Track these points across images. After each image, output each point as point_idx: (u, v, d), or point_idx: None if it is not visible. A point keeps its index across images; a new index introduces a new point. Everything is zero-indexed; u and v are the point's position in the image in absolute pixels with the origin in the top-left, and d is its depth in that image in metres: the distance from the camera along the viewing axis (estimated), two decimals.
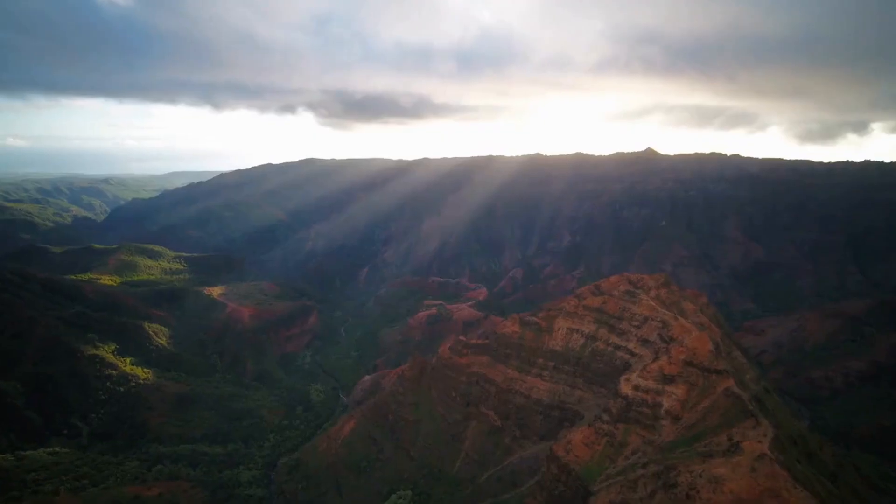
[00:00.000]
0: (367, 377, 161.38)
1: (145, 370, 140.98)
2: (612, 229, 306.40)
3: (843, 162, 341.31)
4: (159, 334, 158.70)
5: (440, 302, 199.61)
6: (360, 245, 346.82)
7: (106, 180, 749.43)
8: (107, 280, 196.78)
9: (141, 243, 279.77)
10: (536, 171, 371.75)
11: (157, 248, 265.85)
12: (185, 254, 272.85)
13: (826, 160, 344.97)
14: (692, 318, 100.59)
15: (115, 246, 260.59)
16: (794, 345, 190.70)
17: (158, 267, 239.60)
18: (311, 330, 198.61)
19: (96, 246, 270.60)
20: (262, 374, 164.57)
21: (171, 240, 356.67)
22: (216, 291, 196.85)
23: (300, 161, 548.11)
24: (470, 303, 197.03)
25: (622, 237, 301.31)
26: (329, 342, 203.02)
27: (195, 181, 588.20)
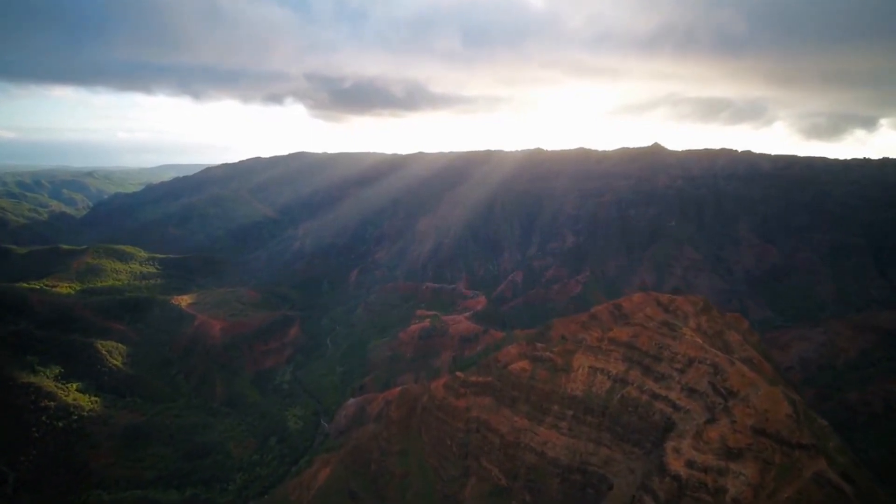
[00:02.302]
0: (351, 401, 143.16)
1: (93, 398, 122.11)
2: (617, 229, 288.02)
3: (859, 159, 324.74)
4: (114, 353, 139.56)
5: (434, 312, 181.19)
6: (350, 244, 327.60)
7: (90, 174, 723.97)
8: (64, 288, 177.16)
9: (113, 244, 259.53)
10: (537, 167, 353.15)
11: (129, 249, 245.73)
12: (159, 255, 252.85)
13: (842, 157, 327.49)
14: (739, 353, 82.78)
15: (83, 247, 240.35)
16: (823, 362, 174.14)
17: (128, 271, 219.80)
18: (292, 343, 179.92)
19: (64, 247, 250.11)
20: (234, 398, 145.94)
21: (150, 238, 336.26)
22: (185, 301, 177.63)
23: (290, 155, 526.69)
24: (467, 313, 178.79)
25: (628, 238, 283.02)
26: (313, 356, 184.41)
27: (186, 175, 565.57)
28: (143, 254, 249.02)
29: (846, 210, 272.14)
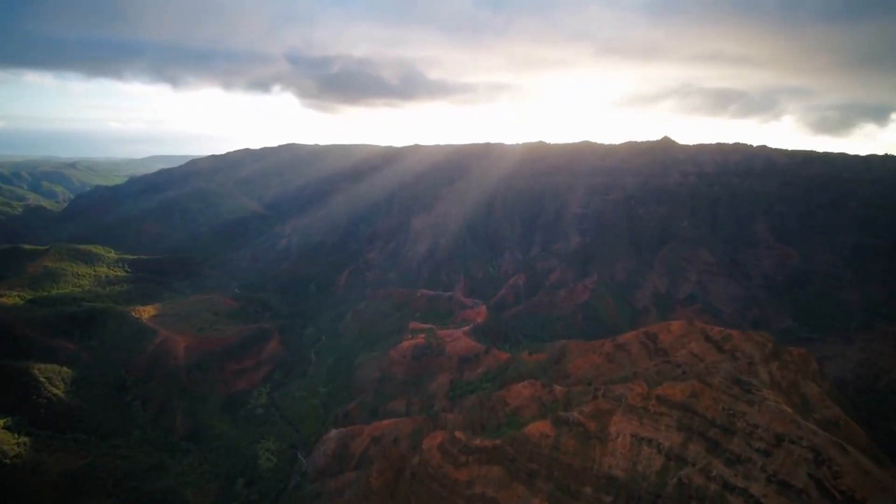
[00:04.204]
0: (333, 432, 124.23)
1: (22, 438, 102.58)
2: (625, 229, 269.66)
3: (879, 155, 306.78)
4: (55, 379, 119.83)
5: (429, 326, 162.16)
6: (340, 243, 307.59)
7: (73, 165, 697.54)
8: (11, 297, 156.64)
9: (81, 243, 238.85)
10: (539, 161, 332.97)
11: (96, 249, 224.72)
12: (130, 256, 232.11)
13: (860, 153, 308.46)
14: (821, 412, 64.24)
15: (45, 247, 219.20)
16: (862, 383, 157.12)
17: (92, 275, 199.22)
18: (270, 359, 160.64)
19: (26, 247, 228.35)
20: (197, 429, 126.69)
21: (127, 235, 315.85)
22: (148, 312, 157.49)
23: (280, 146, 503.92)
24: (466, 327, 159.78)
25: (637, 239, 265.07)
26: (294, 373, 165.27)
27: (178, 166, 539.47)
28: (113, 254, 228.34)
29: (869, 210, 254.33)
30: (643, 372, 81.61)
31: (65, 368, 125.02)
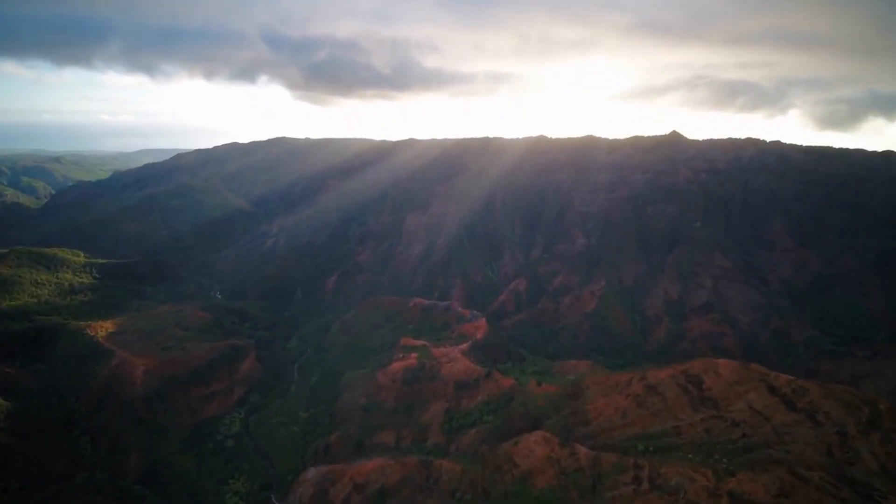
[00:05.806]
0: (311, 472, 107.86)
1: None
2: (633, 230, 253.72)
3: None
4: None
5: (423, 343, 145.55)
6: (329, 244, 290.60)
7: (57, 159, 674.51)
8: None
9: (49, 245, 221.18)
10: (541, 157, 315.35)
11: (62, 252, 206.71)
12: (100, 260, 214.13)
13: (868, 148, 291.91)
14: None
15: (3, 251, 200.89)
16: None
17: (53, 283, 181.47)
18: (244, 380, 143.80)
19: None
20: (155, 469, 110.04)
21: (104, 235, 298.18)
22: (107, 328, 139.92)
23: (269, 140, 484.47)
24: (464, 344, 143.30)
25: (646, 240, 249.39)
26: (273, 393, 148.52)
27: (166, 160, 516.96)
28: (81, 258, 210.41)
29: (892, 210, 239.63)
30: (686, 426, 65.33)
31: (1, 400, 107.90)
